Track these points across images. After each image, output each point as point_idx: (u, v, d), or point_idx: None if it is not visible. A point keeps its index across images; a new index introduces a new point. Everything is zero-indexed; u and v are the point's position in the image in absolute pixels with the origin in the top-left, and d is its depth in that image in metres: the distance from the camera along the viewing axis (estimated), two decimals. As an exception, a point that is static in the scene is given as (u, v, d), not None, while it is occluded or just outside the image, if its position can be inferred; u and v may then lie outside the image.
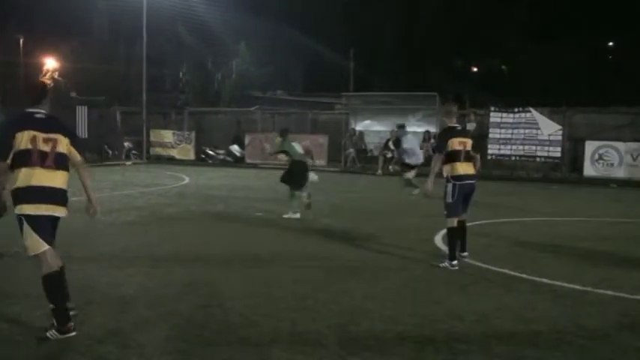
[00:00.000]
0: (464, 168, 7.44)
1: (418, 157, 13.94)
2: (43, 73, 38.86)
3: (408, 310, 5.76)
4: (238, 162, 24.98)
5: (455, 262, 7.34)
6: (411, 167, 13.81)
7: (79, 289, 6.14)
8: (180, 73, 36.47)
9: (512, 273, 7.17)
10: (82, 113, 25.00)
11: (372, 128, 25.19)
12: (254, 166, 23.75)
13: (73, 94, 31.14)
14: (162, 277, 6.72)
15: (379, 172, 21.27)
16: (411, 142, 14.03)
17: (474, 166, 7.75)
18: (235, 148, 25.50)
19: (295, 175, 11.17)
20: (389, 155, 21.98)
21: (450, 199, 7.39)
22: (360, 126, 24.99)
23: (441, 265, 7.39)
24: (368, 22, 48.11)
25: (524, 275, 7.07)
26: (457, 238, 7.47)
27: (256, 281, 6.65)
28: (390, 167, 21.73)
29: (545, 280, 6.83)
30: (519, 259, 8.01)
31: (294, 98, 36.79)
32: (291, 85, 42.85)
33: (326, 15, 46.73)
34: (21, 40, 39.11)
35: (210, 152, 26.31)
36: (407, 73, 46.09)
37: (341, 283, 6.60)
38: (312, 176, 12.44)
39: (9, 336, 4.89)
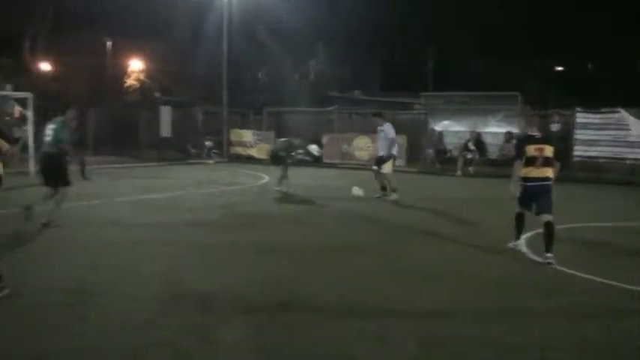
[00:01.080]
0: (534, 172, 7.87)
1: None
2: (128, 74, 40.24)
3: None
4: (316, 162, 25.06)
5: (516, 243, 8.42)
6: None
7: (165, 284, 6.34)
8: (259, 74, 36.97)
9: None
10: (165, 113, 25.82)
11: (451, 129, 24.72)
12: (332, 165, 23.79)
13: (157, 95, 32.14)
14: (246, 273, 6.86)
15: (458, 172, 20.91)
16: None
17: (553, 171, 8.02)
18: (314, 148, 25.55)
19: None
20: (469, 156, 21.58)
21: (517, 194, 8.18)
22: (439, 126, 24.59)
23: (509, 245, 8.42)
24: (448, 20, 47.49)
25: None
26: (520, 223, 8.33)
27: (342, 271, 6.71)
28: (470, 168, 21.33)
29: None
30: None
31: (372, 98, 36.63)
32: (370, 85, 42.71)
33: (405, 14, 46.39)
34: (108, 43, 40.57)
35: (288, 152, 26.49)
36: (487, 72, 45.15)
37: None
38: (357, 190, 13.94)
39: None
